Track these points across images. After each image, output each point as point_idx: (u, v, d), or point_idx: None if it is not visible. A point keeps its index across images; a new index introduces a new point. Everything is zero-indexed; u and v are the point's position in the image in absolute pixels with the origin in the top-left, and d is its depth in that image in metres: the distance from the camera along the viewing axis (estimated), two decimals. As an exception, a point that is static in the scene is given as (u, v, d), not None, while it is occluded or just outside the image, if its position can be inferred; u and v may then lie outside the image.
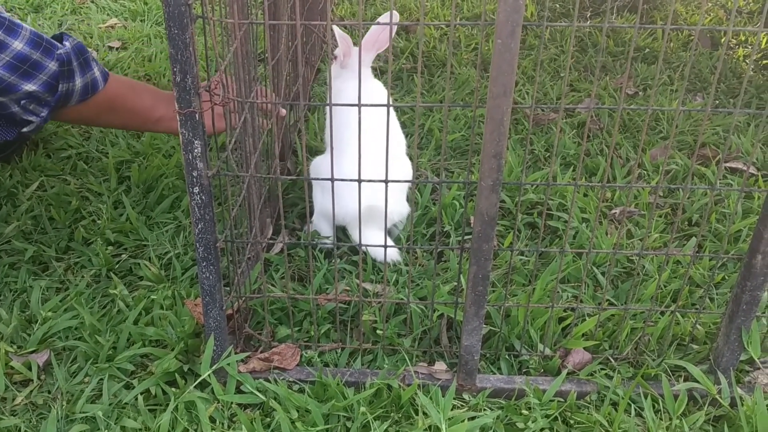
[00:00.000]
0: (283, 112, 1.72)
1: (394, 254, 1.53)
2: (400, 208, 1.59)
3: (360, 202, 1.17)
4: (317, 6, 2.23)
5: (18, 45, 1.36)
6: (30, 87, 1.40)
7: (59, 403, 1.21)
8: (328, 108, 1.67)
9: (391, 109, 1.71)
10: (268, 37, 1.22)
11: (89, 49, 1.51)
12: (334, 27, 1.59)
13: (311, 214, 1.62)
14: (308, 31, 2.14)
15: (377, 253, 1.53)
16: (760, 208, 1.72)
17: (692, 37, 2.85)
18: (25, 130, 1.52)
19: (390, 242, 1.56)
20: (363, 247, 1.51)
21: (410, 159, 1.64)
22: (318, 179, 1.22)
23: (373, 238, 1.49)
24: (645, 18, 3.04)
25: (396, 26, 1.64)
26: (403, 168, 1.59)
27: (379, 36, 1.63)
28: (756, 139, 1.15)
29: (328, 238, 1.59)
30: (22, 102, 1.44)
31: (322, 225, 1.60)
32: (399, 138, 1.69)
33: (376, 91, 1.73)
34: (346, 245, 1.59)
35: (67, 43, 1.46)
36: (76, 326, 1.35)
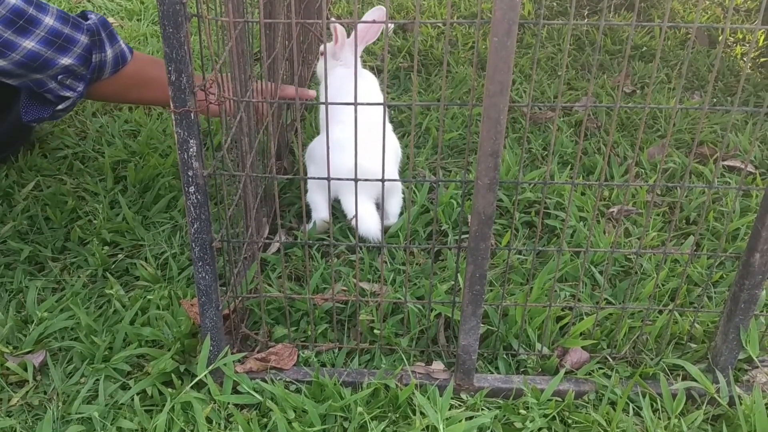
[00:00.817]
0: (312, 93, 1.75)
1: (375, 231, 1.52)
2: (390, 176, 1.59)
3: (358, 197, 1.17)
4: (314, 4, 2.22)
5: (50, 21, 1.39)
6: (66, 61, 1.43)
7: (55, 404, 1.20)
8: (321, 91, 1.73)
9: (380, 92, 1.77)
10: (264, 36, 1.22)
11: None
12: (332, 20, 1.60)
13: (308, 214, 1.61)
14: (305, 30, 2.13)
15: (365, 230, 1.52)
16: (758, 206, 1.72)
17: (689, 35, 2.85)
18: (60, 107, 1.54)
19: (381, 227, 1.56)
20: (354, 221, 1.51)
21: (407, 157, 1.65)
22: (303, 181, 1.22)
23: (363, 207, 1.51)
24: (642, 16, 3.04)
25: (389, 25, 1.68)
26: (390, 138, 1.63)
27: (368, 30, 1.68)
28: (754, 137, 1.15)
29: (325, 234, 1.59)
30: (59, 77, 1.46)
31: (316, 198, 1.61)
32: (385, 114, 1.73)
33: (366, 78, 1.80)
34: (343, 244, 1.59)
35: (92, 16, 1.50)
36: (72, 326, 1.35)
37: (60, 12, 1.43)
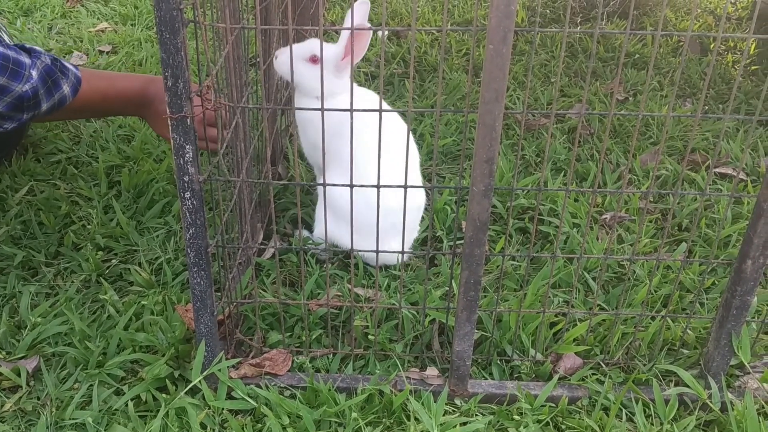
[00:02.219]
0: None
1: (393, 261, 1.57)
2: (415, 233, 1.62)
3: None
4: (308, 11, 2.23)
5: None
6: None
7: (48, 410, 1.20)
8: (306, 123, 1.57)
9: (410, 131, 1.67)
10: (259, 42, 1.22)
11: (58, 60, 1.50)
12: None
13: (303, 219, 1.62)
14: (299, 36, 2.14)
15: (385, 259, 1.56)
16: (749, 213, 1.73)
17: (682, 43, 2.87)
18: None
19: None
20: (360, 255, 1.55)
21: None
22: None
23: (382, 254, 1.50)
24: (635, 24, 3.06)
25: (362, 31, 1.54)
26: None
27: (361, 40, 1.57)
28: (745, 144, 1.16)
29: (320, 244, 1.59)
30: None
31: (320, 235, 1.57)
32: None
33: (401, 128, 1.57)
34: (340, 251, 1.59)
35: (34, 72, 1.43)
36: (66, 332, 1.34)
37: (1, 56, 1.37)
